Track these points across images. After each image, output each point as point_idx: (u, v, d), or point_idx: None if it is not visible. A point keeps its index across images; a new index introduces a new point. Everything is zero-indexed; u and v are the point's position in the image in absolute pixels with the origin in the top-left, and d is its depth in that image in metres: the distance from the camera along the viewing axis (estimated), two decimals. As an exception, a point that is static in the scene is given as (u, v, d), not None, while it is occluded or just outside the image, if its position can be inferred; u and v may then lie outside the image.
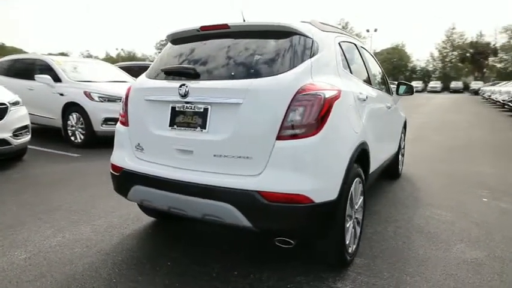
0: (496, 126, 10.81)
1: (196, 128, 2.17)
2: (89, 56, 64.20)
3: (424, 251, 2.65)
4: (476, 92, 35.93)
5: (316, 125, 1.94)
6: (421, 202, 3.79)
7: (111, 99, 6.24)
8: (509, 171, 5.16)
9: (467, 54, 55.35)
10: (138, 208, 3.11)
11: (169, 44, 2.66)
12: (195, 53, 2.45)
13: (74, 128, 6.40)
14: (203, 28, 2.42)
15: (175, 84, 2.24)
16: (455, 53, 58.00)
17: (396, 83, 4.63)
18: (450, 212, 3.49)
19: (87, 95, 6.21)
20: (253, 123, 2.00)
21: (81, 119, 6.25)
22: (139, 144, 2.43)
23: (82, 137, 6.34)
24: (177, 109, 2.26)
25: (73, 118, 6.37)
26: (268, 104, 1.99)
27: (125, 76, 7.73)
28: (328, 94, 2.03)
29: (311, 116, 1.94)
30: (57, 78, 6.58)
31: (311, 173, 1.94)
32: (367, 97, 2.70)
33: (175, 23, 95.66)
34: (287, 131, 1.94)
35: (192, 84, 2.17)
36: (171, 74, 2.39)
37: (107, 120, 6.11)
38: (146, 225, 3.10)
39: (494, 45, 54.13)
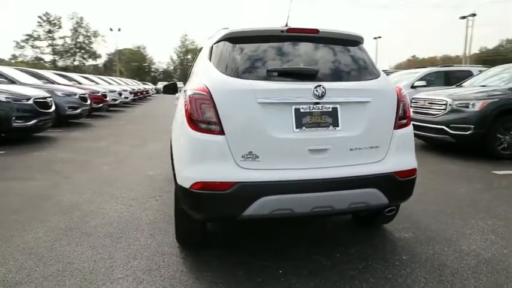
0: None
1: (329, 126, 2.28)
2: None
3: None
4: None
5: (408, 117, 2.57)
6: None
7: None
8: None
9: (200, 59, 64.49)
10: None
11: (241, 43, 2.43)
12: (287, 53, 2.42)
13: None
14: (290, 30, 2.43)
15: (307, 85, 2.22)
16: (190, 57, 66.04)
17: None
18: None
19: None
20: (380, 117, 2.39)
21: None
22: (251, 152, 2.18)
23: None
24: (301, 110, 2.24)
25: None
26: (388, 101, 2.43)
27: None
28: None
29: (408, 109, 2.55)
30: None
31: (413, 151, 2.56)
32: None
33: None
34: (399, 122, 2.47)
35: (326, 85, 2.24)
36: (284, 74, 2.28)
37: None
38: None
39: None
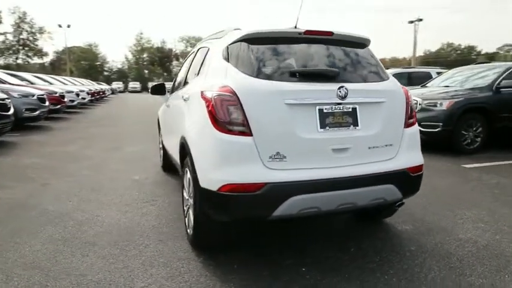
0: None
1: (349, 126, 2.36)
2: None
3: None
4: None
5: (414, 116, 2.72)
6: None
7: None
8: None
9: (156, 58, 62.70)
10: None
11: (258, 44, 2.43)
12: (307, 55, 2.47)
13: None
14: (307, 32, 2.48)
15: (331, 86, 2.28)
16: (146, 56, 64.07)
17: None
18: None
19: None
20: (393, 116, 2.51)
21: None
22: (278, 153, 2.20)
23: None
24: (325, 111, 2.30)
25: None
26: (398, 101, 2.56)
27: None
28: None
29: (414, 109, 2.70)
30: None
31: (419, 149, 2.71)
32: None
33: None
34: (408, 121, 2.61)
35: (348, 86, 2.32)
36: (308, 76, 2.32)
37: None
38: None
39: (175, 51, 64.39)
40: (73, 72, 52.61)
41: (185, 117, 2.81)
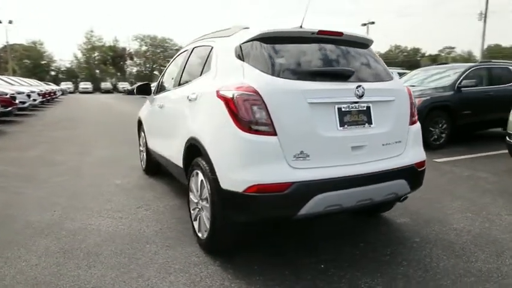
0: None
1: (365, 124, 2.43)
2: None
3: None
4: (131, 91, 40.23)
5: (416, 114, 2.85)
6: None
7: None
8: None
9: (109, 57, 59.88)
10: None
11: (272, 43, 2.41)
12: (322, 54, 2.49)
13: None
14: (321, 32, 2.51)
15: (349, 85, 2.33)
16: (97, 55, 60.96)
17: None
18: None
19: None
20: (400, 114, 2.62)
21: None
22: (302, 151, 2.21)
23: None
24: (343, 109, 2.35)
25: None
26: (404, 99, 2.67)
27: None
28: None
29: (415, 107, 2.84)
30: None
31: (422, 144, 2.85)
32: None
33: None
34: (412, 119, 2.74)
35: (364, 85, 2.38)
36: (327, 75, 2.35)
37: None
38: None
39: (129, 50, 61.96)
40: (16, 71, 48.66)
41: (194, 118, 2.73)
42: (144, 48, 64.69)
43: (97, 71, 61.76)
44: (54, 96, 25.66)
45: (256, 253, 2.65)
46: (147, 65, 66.05)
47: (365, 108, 2.44)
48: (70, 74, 60.62)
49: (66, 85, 49.34)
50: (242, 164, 2.16)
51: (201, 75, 2.95)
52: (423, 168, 2.73)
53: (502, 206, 3.63)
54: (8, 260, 2.53)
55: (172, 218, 3.35)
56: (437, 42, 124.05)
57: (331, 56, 2.55)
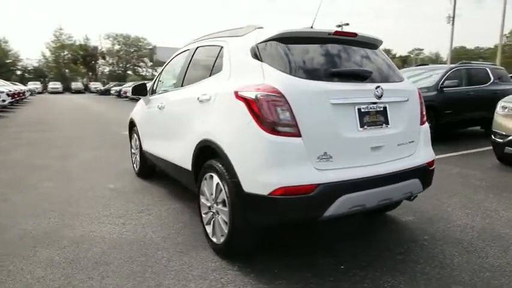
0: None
1: (382, 125, 2.44)
2: None
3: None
4: (105, 92, 39.06)
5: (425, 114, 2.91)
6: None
7: None
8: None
9: (79, 56, 57.83)
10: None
11: (288, 43, 2.38)
12: (341, 55, 2.48)
13: None
14: (337, 33, 2.50)
15: (368, 86, 2.34)
16: (67, 54, 58.72)
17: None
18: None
19: None
20: (412, 114, 2.67)
21: None
22: (325, 153, 2.19)
23: None
24: (362, 110, 2.35)
25: None
26: (415, 100, 2.72)
27: None
28: None
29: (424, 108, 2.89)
30: None
31: (430, 144, 2.91)
32: None
33: None
34: (422, 119, 2.79)
35: (384, 86, 2.39)
36: (347, 76, 2.34)
37: None
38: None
39: (101, 49, 60.10)
40: (-22, 70, 46.14)
41: (207, 119, 2.65)
42: (117, 47, 63.12)
43: (66, 71, 59.54)
44: (23, 97, 24.46)
45: (273, 256, 2.62)
46: (120, 65, 64.42)
47: (382, 109, 2.46)
48: (38, 74, 58.06)
49: (34, 85, 47.13)
50: (267, 166, 2.12)
51: (210, 75, 2.87)
52: (433, 167, 2.79)
53: (496, 202, 3.77)
54: (11, 273, 2.37)
55: (177, 222, 3.26)
56: (407, 44, 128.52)
57: (348, 57, 2.55)
